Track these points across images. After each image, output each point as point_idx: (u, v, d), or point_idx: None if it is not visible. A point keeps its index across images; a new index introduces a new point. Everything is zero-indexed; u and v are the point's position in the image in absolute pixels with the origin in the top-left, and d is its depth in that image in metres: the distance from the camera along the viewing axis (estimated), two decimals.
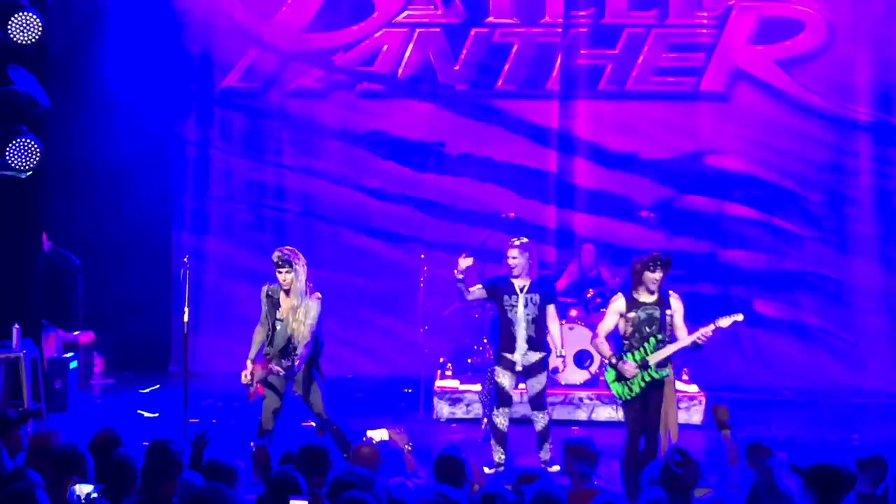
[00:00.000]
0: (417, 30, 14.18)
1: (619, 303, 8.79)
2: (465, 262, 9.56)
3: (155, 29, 13.81)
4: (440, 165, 14.22)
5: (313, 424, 9.43)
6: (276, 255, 8.98)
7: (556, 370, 10.04)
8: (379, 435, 7.09)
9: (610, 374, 8.81)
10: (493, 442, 9.75)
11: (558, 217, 14.15)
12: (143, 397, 12.77)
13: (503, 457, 9.73)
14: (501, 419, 9.74)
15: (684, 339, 8.70)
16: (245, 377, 8.93)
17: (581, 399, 11.78)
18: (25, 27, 10.25)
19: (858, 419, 12.05)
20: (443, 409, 11.88)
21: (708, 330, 8.64)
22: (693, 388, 11.82)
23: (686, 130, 14.08)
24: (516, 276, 9.68)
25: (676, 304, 8.76)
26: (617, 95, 14.10)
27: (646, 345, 8.67)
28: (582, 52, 14.09)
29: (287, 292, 8.96)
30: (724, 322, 8.66)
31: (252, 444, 6.80)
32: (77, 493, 5.59)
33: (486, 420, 10.64)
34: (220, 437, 7.52)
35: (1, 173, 10.55)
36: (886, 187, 14.00)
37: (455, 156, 14.23)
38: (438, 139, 14.21)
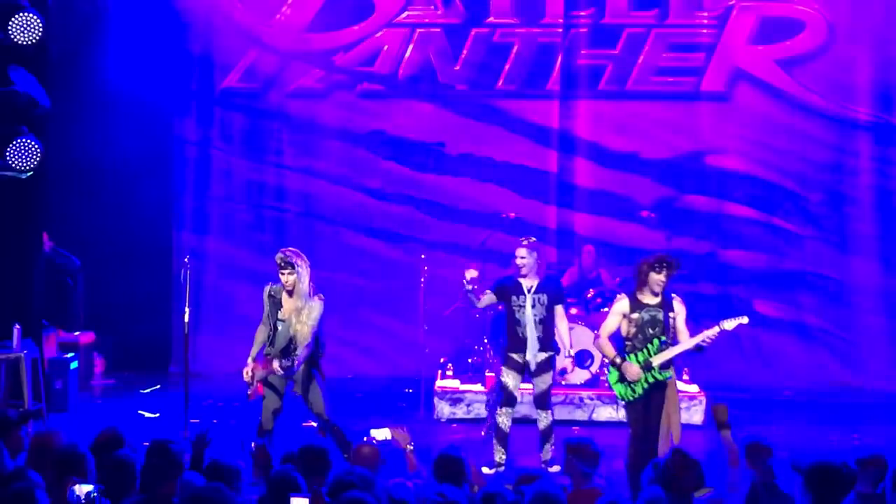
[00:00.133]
0: (418, 30, 14.18)
1: (622, 303, 8.77)
2: (470, 273, 9.68)
3: (155, 29, 13.81)
4: (440, 165, 14.21)
5: (314, 425, 9.43)
6: (279, 256, 8.98)
7: (564, 371, 10.03)
8: (382, 434, 7.09)
9: (613, 376, 8.80)
10: (494, 441, 9.76)
11: (559, 217, 14.15)
12: (143, 398, 12.78)
13: (504, 457, 9.74)
14: (504, 419, 9.75)
15: (688, 341, 8.68)
16: (246, 374, 8.95)
17: (581, 399, 11.79)
18: (26, 28, 10.25)
19: (858, 419, 12.05)
20: (443, 410, 11.88)
21: (712, 332, 8.63)
22: (693, 388, 11.83)
23: (686, 130, 14.08)
24: (524, 276, 9.69)
25: (679, 308, 8.75)
26: (617, 95, 14.10)
27: (649, 346, 8.66)
28: (582, 52, 14.09)
29: (290, 293, 8.96)
30: (729, 325, 8.66)
31: (253, 444, 6.79)
32: (77, 493, 5.60)
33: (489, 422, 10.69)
34: (221, 437, 7.53)
35: (1, 174, 10.54)
36: (886, 187, 14.00)
37: (455, 156, 14.23)
38: (439, 139, 14.21)
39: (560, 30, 14.05)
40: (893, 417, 12.06)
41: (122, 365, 13.76)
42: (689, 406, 11.45)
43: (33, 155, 10.38)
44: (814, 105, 13.96)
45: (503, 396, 9.78)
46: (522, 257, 9.68)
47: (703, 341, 8.64)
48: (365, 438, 7.25)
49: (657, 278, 8.62)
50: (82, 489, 5.61)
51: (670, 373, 8.82)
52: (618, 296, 9.12)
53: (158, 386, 13.24)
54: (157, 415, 11.82)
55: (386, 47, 14.20)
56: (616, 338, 8.87)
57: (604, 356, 9.69)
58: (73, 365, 12.08)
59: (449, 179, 14.22)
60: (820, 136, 14.00)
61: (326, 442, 7.50)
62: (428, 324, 12.15)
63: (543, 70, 14.12)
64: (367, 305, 14.06)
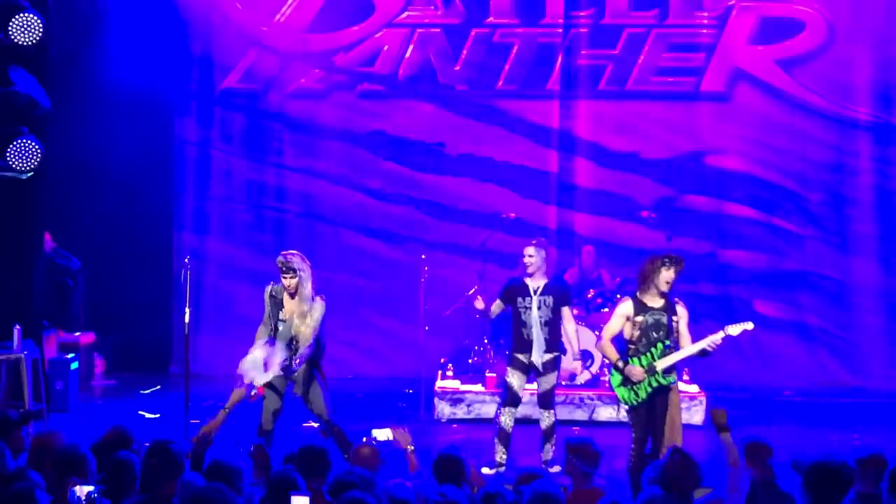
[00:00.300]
0: (418, 30, 14.19)
1: (625, 305, 8.68)
2: (479, 304, 9.95)
3: (155, 30, 13.82)
4: (440, 166, 14.22)
5: (314, 425, 9.43)
6: (279, 260, 8.90)
7: (573, 376, 10.03)
8: (383, 435, 7.09)
9: (615, 379, 8.73)
10: (496, 441, 9.76)
11: (559, 217, 14.16)
12: (144, 398, 12.78)
13: (505, 457, 9.74)
14: (507, 419, 9.75)
15: (692, 346, 8.62)
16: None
17: (582, 399, 11.78)
18: (26, 28, 10.26)
19: (858, 419, 12.06)
20: (444, 410, 11.89)
21: (717, 337, 8.58)
22: (693, 388, 11.83)
23: (686, 130, 14.09)
24: (531, 275, 9.68)
25: (682, 311, 8.71)
26: (617, 95, 14.11)
27: (653, 350, 8.59)
28: (582, 52, 14.10)
29: (292, 294, 8.95)
30: (734, 330, 8.61)
31: (253, 445, 6.79)
32: (77, 493, 5.60)
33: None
34: (221, 437, 7.53)
35: (2, 174, 10.55)
36: (886, 187, 14.01)
37: (455, 156, 14.23)
38: (439, 139, 14.22)
39: (560, 30, 14.06)
40: (893, 417, 12.07)
41: (122, 365, 13.77)
42: (690, 406, 11.44)
43: (33, 155, 10.39)
44: (814, 105, 13.97)
45: (507, 396, 9.78)
46: (530, 255, 9.66)
47: (708, 346, 8.58)
48: (366, 439, 7.25)
49: (666, 275, 8.53)
50: (83, 490, 5.61)
51: (673, 377, 8.78)
52: (621, 298, 9.05)
53: (159, 386, 13.24)
54: (158, 415, 11.82)
55: (386, 47, 14.20)
56: (618, 340, 8.79)
57: (606, 359, 9.63)
58: (74, 365, 12.09)
59: (449, 180, 14.22)
60: (820, 136, 14.01)
61: (326, 442, 7.50)
62: (428, 324, 12.15)
63: (543, 70, 14.13)
64: (368, 306, 14.06)
